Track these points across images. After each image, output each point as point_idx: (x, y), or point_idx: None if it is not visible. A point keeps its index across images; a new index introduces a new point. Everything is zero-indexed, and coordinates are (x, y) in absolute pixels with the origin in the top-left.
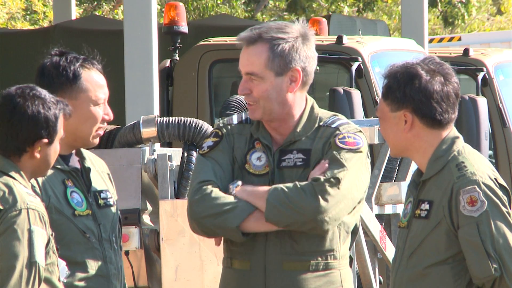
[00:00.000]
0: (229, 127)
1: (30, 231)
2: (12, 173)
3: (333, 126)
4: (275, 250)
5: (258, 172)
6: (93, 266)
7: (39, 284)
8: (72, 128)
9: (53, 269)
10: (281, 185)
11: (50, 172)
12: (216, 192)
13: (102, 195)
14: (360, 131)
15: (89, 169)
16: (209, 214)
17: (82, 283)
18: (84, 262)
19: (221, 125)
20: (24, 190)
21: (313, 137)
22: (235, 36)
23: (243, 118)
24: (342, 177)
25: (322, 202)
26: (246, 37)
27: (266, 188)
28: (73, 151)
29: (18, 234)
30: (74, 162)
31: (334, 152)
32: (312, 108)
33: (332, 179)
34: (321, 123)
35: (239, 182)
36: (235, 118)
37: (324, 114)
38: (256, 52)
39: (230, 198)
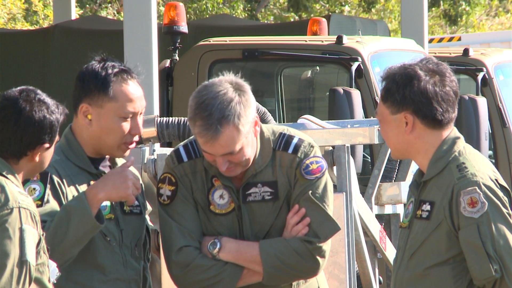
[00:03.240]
0: (180, 167)
1: (21, 230)
2: (5, 173)
3: (290, 151)
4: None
5: (224, 211)
6: (112, 270)
7: (30, 283)
8: (96, 136)
9: (43, 269)
10: (270, 247)
11: (76, 173)
12: (197, 262)
13: None
14: (313, 146)
15: None
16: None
17: (101, 286)
18: (103, 265)
19: (171, 166)
20: (16, 189)
21: (271, 164)
22: (235, 36)
23: (191, 151)
24: (333, 231)
25: (321, 261)
26: (210, 135)
27: (253, 249)
28: (106, 156)
29: (9, 232)
30: (105, 166)
31: (309, 192)
32: (261, 133)
33: (325, 237)
34: (274, 147)
35: (218, 243)
36: (183, 154)
37: (271, 134)
38: (227, 138)
39: (214, 267)
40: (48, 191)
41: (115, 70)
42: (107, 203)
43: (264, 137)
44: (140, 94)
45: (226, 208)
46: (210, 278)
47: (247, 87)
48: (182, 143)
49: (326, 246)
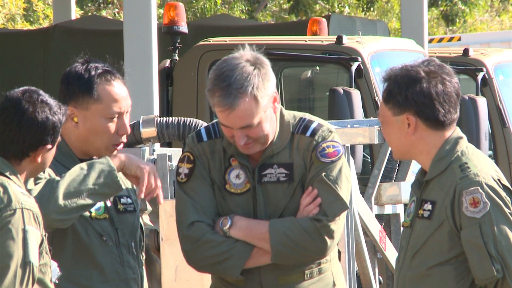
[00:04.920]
0: (199, 146)
1: (24, 231)
2: (8, 173)
3: (307, 134)
4: (270, 266)
5: (240, 191)
6: (110, 270)
7: (33, 284)
8: (83, 138)
9: (45, 269)
10: (280, 224)
11: None
12: (207, 237)
13: (123, 200)
14: (332, 131)
15: None
16: (207, 264)
17: (101, 286)
18: (102, 265)
19: (191, 145)
20: (19, 190)
21: (289, 146)
22: (235, 36)
23: (212, 131)
24: (341, 210)
25: (329, 242)
26: (228, 103)
27: (263, 226)
28: (95, 157)
29: (12, 233)
30: None
31: (323, 174)
32: (282, 115)
33: (333, 215)
34: (293, 130)
35: (229, 220)
36: (204, 134)
37: (292, 118)
38: (246, 109)
39: (224, 243)
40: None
41: (98, 71)
42: (101, 204)
43: (284, 120)
44: (125, 94)
45: (241, 188)
46: (219, 254)
47: (266, 62)
48: (205, 125)
49: (335, 226)
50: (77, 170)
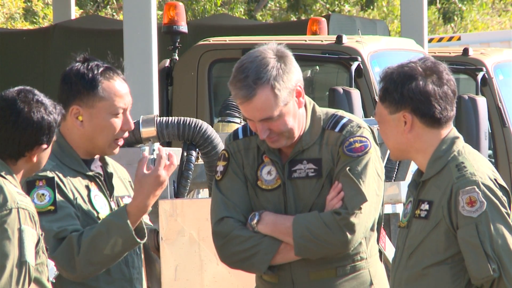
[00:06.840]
0: (235, 144)
1: (20, 231)
2: (3, 173)
3: (337, 130)
4: (300, 262)
5: (271, 187)
6: (116, 270)
7: (29, 283)
8: (88, 136)
9: (42, 269)
10: (302, 219)
11: (73, 176)
12: (235, 233)
13: (124, 200)
14: (361, 127)
15: (111, 175)
16: (236, 260)
17: (107, 287)
18: None
19: (227, 142)
20: (15, 189)
21: (319, 142)
22: (235, 36)
23: (248, 129)
24: (359, 201)
25: (349, 235)
26: (244, 94)
27: (287, 221)
28: (96, 157)
29: (8, 233)
30: (97, 167)
31: (348, 168)
32: (313, 111)
33: (352, 208)
34: (324, 126)
35: (257, 216)
36: (240, 132)
37: (324, 114)
38: (263, 100)
39: (252, 238)
40: (57, 195)
41: (101, 69)
42: (106, 204)
43: (315, 116)
44: (127, 90)
45: (272, 184)
46: (246, 249)
47: (289, 55)
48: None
49: (356, 219)
50: (96, 236)
